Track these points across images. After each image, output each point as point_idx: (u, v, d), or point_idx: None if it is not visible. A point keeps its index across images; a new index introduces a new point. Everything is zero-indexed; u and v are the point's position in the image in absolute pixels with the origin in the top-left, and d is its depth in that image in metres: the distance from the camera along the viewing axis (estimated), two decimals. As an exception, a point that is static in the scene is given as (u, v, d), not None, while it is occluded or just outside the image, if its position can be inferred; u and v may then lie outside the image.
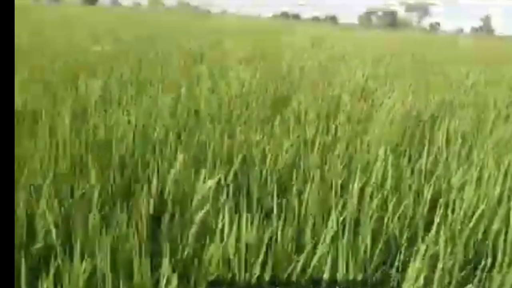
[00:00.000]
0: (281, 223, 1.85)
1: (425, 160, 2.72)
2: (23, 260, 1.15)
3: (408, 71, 7.26)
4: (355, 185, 2.03)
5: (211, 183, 1.90)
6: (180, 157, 1.87)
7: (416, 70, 7.64)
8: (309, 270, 1.74)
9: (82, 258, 1.23)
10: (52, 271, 1.20)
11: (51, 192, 1.39)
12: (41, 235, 1.31)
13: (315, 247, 1.93)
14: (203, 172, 1.91)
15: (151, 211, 1.63)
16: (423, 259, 1.68)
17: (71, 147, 1.78)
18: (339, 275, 1.74)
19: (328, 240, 1.78)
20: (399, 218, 2.20)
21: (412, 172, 2.63)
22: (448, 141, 3.26)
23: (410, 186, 2.45)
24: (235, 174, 2.14)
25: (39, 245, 1.28)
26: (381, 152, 2.75)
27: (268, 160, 2.34)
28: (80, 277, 1.22)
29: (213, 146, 2.24)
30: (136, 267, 1.28)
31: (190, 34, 12.25)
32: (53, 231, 1.24)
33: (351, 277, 1.80)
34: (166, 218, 1.59)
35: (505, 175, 2.41)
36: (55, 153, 1.71)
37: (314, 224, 1.97)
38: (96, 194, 1.43)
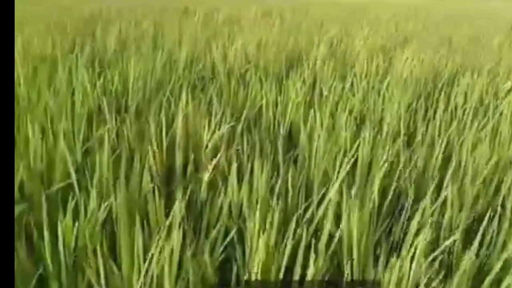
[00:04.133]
0: (290, 174, 1.89)
1: (440, 115, 2.71)
2: (43, 201, 1.23)
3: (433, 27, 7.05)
4: (366, 134, 2.05)
5: (223, 130, 1.94)
6: (188, 104, 1.91)
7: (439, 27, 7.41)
8: (317, 217, 1.80)
9: (98, 197, 1.30)
10: (70, 208, 1.27)
11: (70, 134, 1.45)
12: (60, 175, 1.39)
13: (323, 198, 1.99)
14: (214, 119, 1.96)
15: (165, 156, 1.68)
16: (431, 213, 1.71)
17: (87, 94, 1.84)
18: (344, 225, 1.79)
19: (335, 188, 1.82)
20: (410, 171, 2.22)
21: (427, 127, 2.64)
22: (465, 97, 3.23)
23: (422, 141, 2.46)
24: (248, 125, 2.18)
25: (60, 184, 1.36)
26: (395, 106, 2.75)
27: (279, 112, 2.36)
28: (95, 215, 1.30)
29: (226, 96, 2.27)
30: (151, 208, 1.35)
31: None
32: (71, 169, 1.31)
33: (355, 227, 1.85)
34: (179, 162, 1.65)
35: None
36: (72, 97, 1.77)
37: (324, 175, 2.02)
38: (113, 135, 1.49)
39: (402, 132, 2.58)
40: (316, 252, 1.38)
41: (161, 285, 1.19)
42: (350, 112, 2.55)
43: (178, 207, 1.33)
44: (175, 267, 1.17)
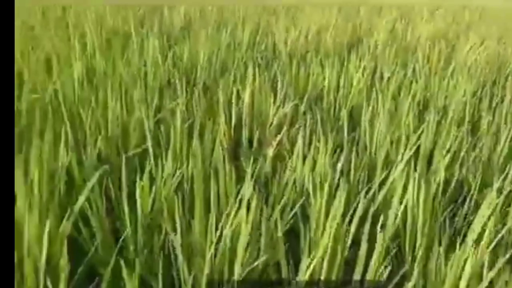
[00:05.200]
0: (353, 154, 1.88)
1: (507, 104, 2.60)
2: (123, 164, 1.29)
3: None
4: (431, 118, 2.00)
5: (288, 108, 1.95)
6: (255, 81, 1.93)
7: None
8: (379, 198, 1.78)
9: (174, 162, 1.35)
10: (147, 171, 1.32)
11: (144, 103, 1.51)
12: (135, 141, 1.44)
13: (385, 180, 1.96)
14: (278, 99, 1.97)
15: (232, 131, 1.72)
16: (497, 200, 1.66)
17: (159, 68, 1.90)
18: (409, 206, 1.76)
19: (399, 170, 1.80)
20: (474, 160, 2.16)
21: (493, 116, 2.54)
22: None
23: (488, 129, 2.38)
24: (310, 106, 2.18)
25: (137, 150, 1.41)
26: (460, 93, 2.66)
27: (341, 93, 2.35)
28: (170, 180, 1.34)
29: (288, 77, 2.28)
30: (222, 175, 1.38)
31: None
32: (148, 135, 1.36)
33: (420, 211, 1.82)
34: (245, 135, 1.67)
35: None
36: (144, 70, 1.83)
37: (386, 157, 2.00)
38: (183, 108, 1.53)
39: (467, 119, 2.50)
40: (383, 227, 1.37)
41: (234, 250, 1.22)
42: (413, 97, 2.50)
43: (249, 175, 1.35)
44: (247, 231, 1.20)
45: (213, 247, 1.18)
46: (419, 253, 1.61)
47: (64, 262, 1.17)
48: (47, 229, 0.98)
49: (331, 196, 1.81)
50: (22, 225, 1.18)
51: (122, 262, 0.99)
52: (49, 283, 1.04)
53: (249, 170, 1.42)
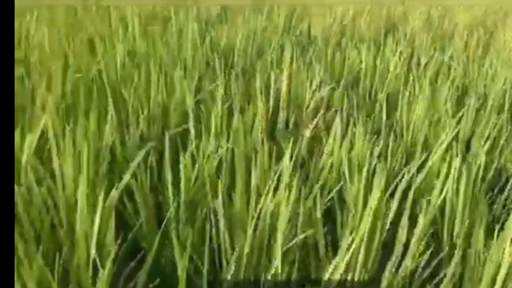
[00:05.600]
0: (391, 138, 1.87)
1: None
2: (167, 141, 1.31)
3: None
4: (472, 102, 1.96)
5: (324, 91, 1.95)
6: (292, 64, 1.93)
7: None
8: (417, 182, 1.76)
9: (215, 140, 1.37)
10: (190, 149, 1.34)
11: (184, 84, 1.53)
12: (177, 120, 1.47)
13: (423, 164, 1.94)
14: (315, 82, 1.96)
15: (270, 114, 1.73)
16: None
17: (197, 51, 1.92)
18: (448, 191, 1.74)
19: (438, 155, 1.77)
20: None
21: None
22: None
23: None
24: (346, 90, 2.17)
25: (178, 129, 1.44)
26: (500, 81, 2.60)
27: (377, 78, 2.32)
28: (212, 157, 1.37)
29: (323, 62, 2.27)
30: (260, 155, 1.39)
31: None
32: (190, 114, 1.38)
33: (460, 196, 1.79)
34: (282, 117, 1.68)
35: None
36: (184, 53, 1.86)
37: (425, 142, 1.97)
38: (222, 91, 1.55)
39: (506, 107, 2.45)
40: (425, 211, 1.36)
41: (274, 226, 1.24)
42: (452, 82, 2.45)
43: (288, 154, 1.36)
44: (287, 210, 1.21)
45: (253, 222, 1.19)
46: (459, 239, 1.59)
47: (111, 235, 1.21)
48: (101, 199, 1.01)
49: (368, 181, 1.81)
50: (70, 199, 1.23)
51: (174, 238, 1.02)
52: (96, 257, 1.08)
53: (288, 149, 1.43)
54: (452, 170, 1.60)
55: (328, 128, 1.94)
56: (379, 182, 1.40)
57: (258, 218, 1.26)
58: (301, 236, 1.27)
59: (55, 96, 1.48)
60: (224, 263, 1.22)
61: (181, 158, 1.30)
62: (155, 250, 1.33)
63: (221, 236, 1.19)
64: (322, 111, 1.94)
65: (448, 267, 1.27)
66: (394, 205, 1.47)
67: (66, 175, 1.19)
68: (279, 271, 1.21)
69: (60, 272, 1.10)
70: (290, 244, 1.27)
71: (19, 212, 1.08)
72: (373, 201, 1.40)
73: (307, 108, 1.89)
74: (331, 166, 1.78)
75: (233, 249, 1.25)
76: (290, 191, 1.24)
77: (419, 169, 1.93)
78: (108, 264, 0.96)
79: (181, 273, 0.97)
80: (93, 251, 1.08)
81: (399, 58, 2.59)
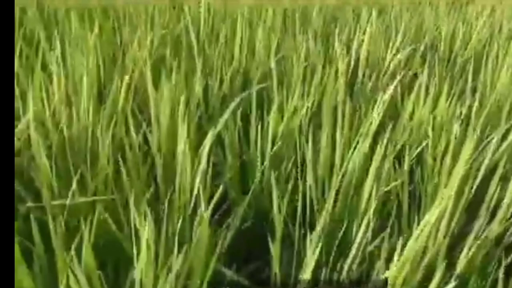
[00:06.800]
0: (476, 102, 1.80)
1: None
2: (254, 95, 1.33)
3: None
4: None
5: (402, 55, 1.89)
6: (372, 25, 1.89)
7: None
8: (503, 147, 1.69)
9: (298, 95, 1.38)
10: (276, 103, 1.35)
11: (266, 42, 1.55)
12: (260, 75, 1.49)
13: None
14: (394, 45, 1.91)
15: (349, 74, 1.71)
16: None
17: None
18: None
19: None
20: None
21: None
22: None
23: None
24: (425, 53, 2.10)
25: (262, 85, 1.46)
26: None
27: (458, 43, 2.23)
28: (298, 112, 1.37)
29: (403, 26, 2.19)
30: (340, 111, 1.38)
31: None
32: (274, 71, 1.39)
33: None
34: (361, 78, 1.66)
35: None
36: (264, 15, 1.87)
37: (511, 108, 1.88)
38: (302, 50, 1.55)
39: None
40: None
41: (361, 180, 1.24)
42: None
43: (376, 113, 1.34)
44: (375, 164, 1.21)
45: (341, 173, 1.20)
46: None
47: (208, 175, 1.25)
48: (208, 142, 1.05)
49: (449, 143, 1.75)
50: (166, 144, 1.28)
51: (272, 180, 1.04)
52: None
53: (371, 109, 1.41)
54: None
55: (408, 91, 1.89)
56: (468, 145, 1.36)
57: (343, 175, 1.27)
58: (388, 187, 1.26)
59: (143, 51, 1.54)
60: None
61: (271, 112, 1.32)
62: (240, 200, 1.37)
63: (307, 189, 1.21)
64: (401, 73, 1.89)
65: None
66: (482, 168, 1.42)
67: (162, 123, 1.24)
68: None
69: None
70: (379, 193, 1.26)
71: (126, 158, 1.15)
72: (459, 167, 1.37)
73: (386, 70, 1.85)
74: (411, 129, 1.75)
75: (320, 202, 1.27)
76: (375, 147, 1.23)
77: (505, 135, 1.86)
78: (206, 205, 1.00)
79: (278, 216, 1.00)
80: (193, 198, 1.13)
81: (484, 23, 2.46)
